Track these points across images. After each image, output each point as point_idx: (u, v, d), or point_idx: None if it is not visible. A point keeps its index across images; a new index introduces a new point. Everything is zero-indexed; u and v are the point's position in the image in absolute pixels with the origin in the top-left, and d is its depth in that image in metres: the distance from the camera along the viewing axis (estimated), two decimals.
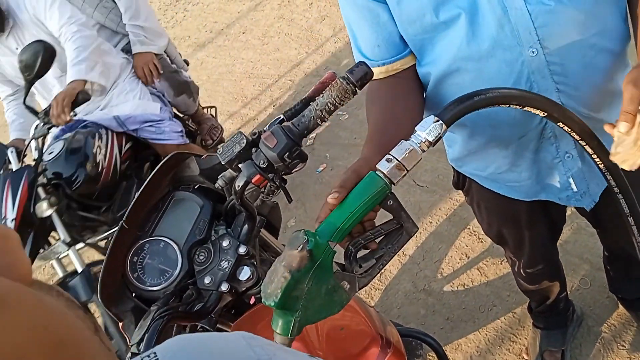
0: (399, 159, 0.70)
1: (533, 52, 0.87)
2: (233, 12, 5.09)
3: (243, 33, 4.66)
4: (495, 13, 0.84)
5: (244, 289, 0.97)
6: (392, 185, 0.70)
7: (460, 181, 1.25)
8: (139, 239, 0.99)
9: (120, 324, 0.97)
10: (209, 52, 4.72)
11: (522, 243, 1.33)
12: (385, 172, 0.69)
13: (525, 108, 0.78)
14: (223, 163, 0.90)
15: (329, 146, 3.04)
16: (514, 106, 0.77)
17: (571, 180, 1.06)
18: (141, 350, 0.86)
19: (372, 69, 0.96)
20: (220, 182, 0.96)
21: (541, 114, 0.79)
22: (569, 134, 0.82)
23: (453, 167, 1.24)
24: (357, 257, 0.74)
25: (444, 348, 1.35)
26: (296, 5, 4.53)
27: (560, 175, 1.06)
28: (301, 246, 0.66)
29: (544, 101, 0.78)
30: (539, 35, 0.85)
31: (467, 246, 2.17)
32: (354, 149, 2.89)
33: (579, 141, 0.84)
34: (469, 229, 2.22)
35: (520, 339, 1.81)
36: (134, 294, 0.98)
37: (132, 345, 0.88)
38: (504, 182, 1.13)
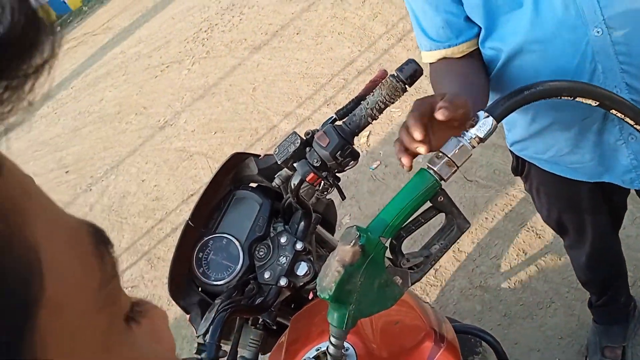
0: (449, 156, 0.71)
1: (598, 32, 0.86)
2: (287, 14, 5.18)
3: (297, 34, 4.74)
4: None
5: (301, 283, 1.01)
6: (443, 181, 0.72)
7: (519, 166, 1.24)
8: (204, 236, 1.05)
9: (188, 316, 1.03)
10: (264, 54, 4.82)
11: (584, 230, 1.30)
12: (435, 169, 0.71)
13: (577, 98, 0.77)
14: (279, 162, 0.95)
15: (383, 143, 3.04)
16: (565, 97, 0.77)
17: (635, 162, 1.03)
18: (207, 341, 0.91)
19: (437, 50, 0.98)
20: (277, 181, 1.01)
21: (593, 103, 0.78)
22: (623, 119, 0.80)
23: (512, 152, 1.24)
24: (403, 250, 0.76)
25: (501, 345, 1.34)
26: (349, 4, 4.55)
27: (624, 157, 1.04)
28: (353, 241, 0.69)
29: (594, 90, 0.77)
30: (604, 15, 0.85)
31: (524, 242, 2.12)
32: None
33: (634, 126, 0.82)
34: (526, 224, 2.17)
35: (580, 336, 1.76)
36: (199, 288, 1.05)
37: (198, 336, 0.94)
38: (565, 164, 1.12)
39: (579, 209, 1.25)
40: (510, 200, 2.29)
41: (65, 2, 14.27)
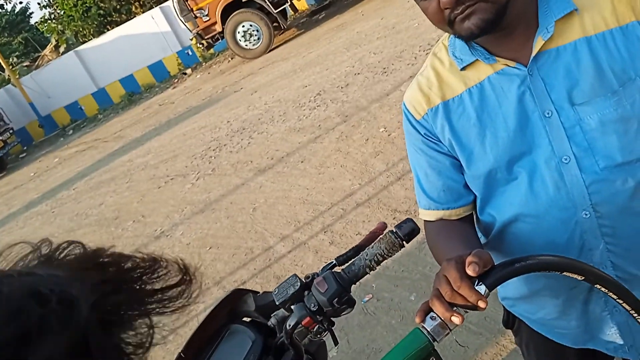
0: (443, 318, 0.75)
1: (586, 214, 0.94)
2: (294, 142, 5.48)
3: (302, 162, 4.97)
4: (553, 177, 0.93)
5: None
6: (435, 342, 0.75)
7: (510, 320, 1.26)
8: None
9: None
10: (268, 177, 5.02)
11: None
12: (429, 329, 0.74)
13: (564, 273, 0.83)
14: (277, 303, 0.98)
15: (376, 277, 3.05)
16: (553, 272, 0.82)
17: (618, 333, 1.06)
18: None
19: (436, 210, 1.05)
20: (272, 321, 1.03)
21: (579, 277, 0.83)
22: (607, 294, 0.85)
23: (504, 306, 1.26)
24: None
25: None
26: (353, 140, 4.84)
27: (608, 328, 1.07)
28: None
29: (580, 266, 0.82)
30: (592, 200, 0.93)
31: None
32: (401, 282, 2.90)
33: (617, 300, 0.86)
34: None
35: None
36: None
37: None
38: (553, 327, 1.14)
39: None
40: (501, 350, 2.26)
41: (82, 109, 15.10)
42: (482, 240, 1.16)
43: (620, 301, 0.88)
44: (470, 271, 0.74)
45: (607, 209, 0.93)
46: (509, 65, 0.92)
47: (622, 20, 0.88)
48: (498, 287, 1.25)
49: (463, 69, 0.97)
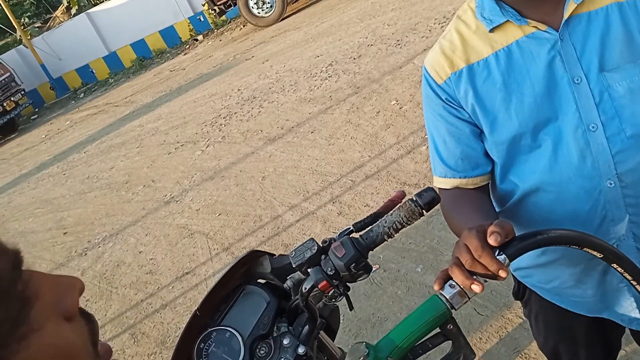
0: (462, 286, 0.76)
1: (611, 183, 0.93)
2: (304, 113, 5.45)
3: (311, 132, 4.96)
4: (579, 145, 0.93)
5: None
6: (453, 310, 0.76)
7: (521, 291, 1.27)
8: (208, 327, 1.06)
9: None
10: (277, 146, 5.02)
11: None
12: (447, 297, 0.75)
13: (584, 249, 0.83)
14: (294, 266, 0.99)
15: (384, 248, 3.08)
16: (573, 247, 0.82)
17: (634, 305, 1.07)
18: None
19: (452, 179, 1.05)
20: (288, 283, 1.04)
21: (598, 255, 0.84)
22: (622, 274, 0.85)
23: (515, 277, 1.26)
24: None
25: None
26: (364, 112, 4.81)
27: (625, 299, 1.07)
28: (362, 358, 0.71)
29: (601, 245, 0.83)
30: (617, 169, 0.92)
31: None
32: (407, 254, 2.92)
33: (630, 282, 0.87)
34: (520, 350, 2.15)
35: None
36: None
37: None
38: (567, 296, 1.15)
39: (575, 341, 1.26)
40: (506, 324, 2.29)
41: (93, 72, 15.05)
42: (497, 209, 1.16)
43: (634, 283, 0.88)
44: (492, 241, 0.75)
45: (632, 179, 0.92)
46: (539, 29, 0.91)
47: None
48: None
49: (492, 30, 0.95)
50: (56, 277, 0.42)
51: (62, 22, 16.81)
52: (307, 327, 1.04)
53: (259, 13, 10.91)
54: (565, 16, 0.88)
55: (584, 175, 0.94)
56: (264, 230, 3.80)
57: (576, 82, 0.91)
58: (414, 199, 0.94)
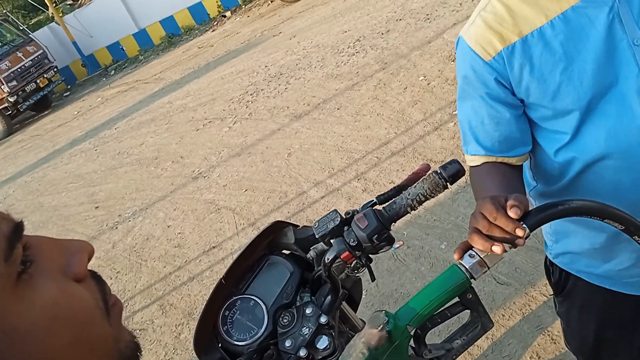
0: (482, 256, 0.76)
1: None
2: (331, 89, 5.42)
3: (338, 109, 4.94)
4: None
5: (320, 357, 1.03)
6: (473, 279, 0.76)
7: (562, 280, 1.21)
8: (233, 295, 1.09)
9: None
10: (304, 123, 5.02)
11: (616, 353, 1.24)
12: (467, 267, 0.75)
13: (605, 220, 0.81)
14: (317, 237, 1.00)
15: (407, 225, 3.08)
16: (594, 218, 0.81)
17: None
18: None
19: (485, 156, 1.02)
20: (311, 253, 1.06)
21: (619, 227, 0.82)
22: None
23: (557, 266, 1.20)
24: (426, 341, 0.78)
25: None
26: (391, 89, 4.76)
27: None
28: (381, 326, 0.72)
29: (623, 216, 0.81)
30: None
31: (538, 345, 2.09)
32: (432, 230, 2.92)
33: None
34: (543, 328, 2.14)
35: None
36: (220, 345, 1.07)
37: None
38: (621, 278, 1.10)
39: (624, 325, 1.19)
40: (529, 301, 2.28)
41: (123, 49, 15.22)
42: (533, 185, 1.13)
43: None
44: (512, 213, 0.74)
45: None
46: None
47: None
48: (552, 244, 1.20)
49: None
50: (65, 241, 0.45)
51: None
52: (329, 297, 1.06)
53: None
54: None
55: None
56: (289, 206, 3.84)
57: (636, 44, 0.87)
58: (439, 171, 0.93)
